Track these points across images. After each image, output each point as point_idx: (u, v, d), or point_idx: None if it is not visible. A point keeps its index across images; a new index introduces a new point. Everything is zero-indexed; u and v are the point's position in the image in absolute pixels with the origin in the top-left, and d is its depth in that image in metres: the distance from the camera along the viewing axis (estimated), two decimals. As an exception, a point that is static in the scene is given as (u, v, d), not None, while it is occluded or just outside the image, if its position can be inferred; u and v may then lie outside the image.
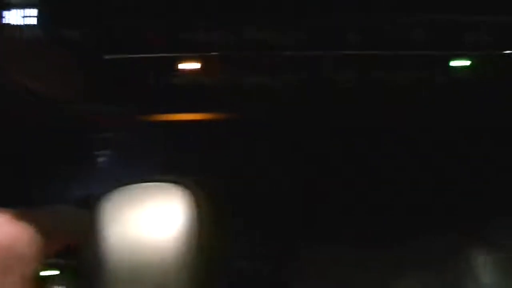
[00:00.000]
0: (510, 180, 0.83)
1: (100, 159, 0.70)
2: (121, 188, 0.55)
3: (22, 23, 0.64)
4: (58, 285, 0.61)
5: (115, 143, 0.67)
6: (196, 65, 0.65)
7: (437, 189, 0.83)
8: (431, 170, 0.81)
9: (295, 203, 0.80)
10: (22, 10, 0.65)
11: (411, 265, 0.85)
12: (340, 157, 0.78)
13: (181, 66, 0.65)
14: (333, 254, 0.83)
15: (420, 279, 0.85)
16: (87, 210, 0.54)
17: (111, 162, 0.67)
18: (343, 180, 0.80)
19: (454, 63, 0.71)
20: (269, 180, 0.77)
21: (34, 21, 0.64)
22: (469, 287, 0.86)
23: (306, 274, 0.84)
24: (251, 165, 0.76)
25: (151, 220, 0.54)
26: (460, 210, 0.87)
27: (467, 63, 0.71)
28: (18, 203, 0.67)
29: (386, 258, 0.84)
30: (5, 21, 0.63)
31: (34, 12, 0.64)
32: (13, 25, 0.64)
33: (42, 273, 0.60)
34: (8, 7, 0.64)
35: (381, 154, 0.81)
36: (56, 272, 0.65)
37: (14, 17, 0.65)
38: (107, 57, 0.63)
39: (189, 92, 0.65)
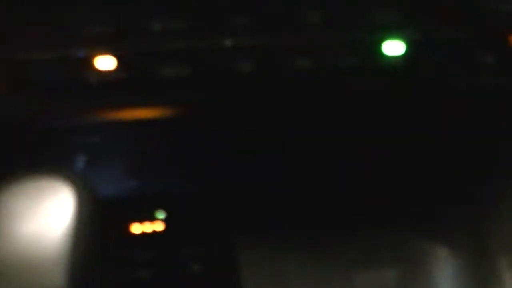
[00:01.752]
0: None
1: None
2: (6, 185, 0.55)
3: None
4: None
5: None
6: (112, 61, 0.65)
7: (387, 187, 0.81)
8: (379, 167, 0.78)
9: (230, 203, 0.79)
10: None
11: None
12: (282, 151, 0.76)
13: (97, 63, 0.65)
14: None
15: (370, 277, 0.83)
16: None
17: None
18: (287, 177, 0.79)
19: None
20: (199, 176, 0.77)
21: None
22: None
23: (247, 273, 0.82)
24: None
25: (36, 216, 0.54)
26: (413, 207, 0.84)
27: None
28: None
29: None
30: None
31: None
32: None
33: None
34: None
35: (330, 149, 0.79)
36: None
37: None
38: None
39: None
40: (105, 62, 0.65)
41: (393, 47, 0.69)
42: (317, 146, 0.77)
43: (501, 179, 0.84)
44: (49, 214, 0.54)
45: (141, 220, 0.84)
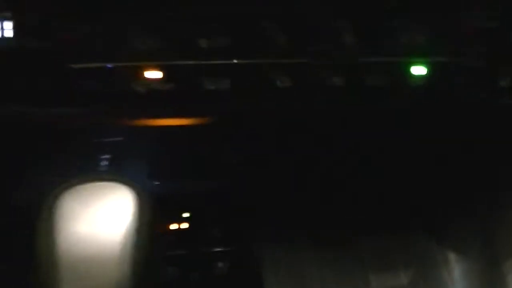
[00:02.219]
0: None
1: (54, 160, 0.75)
2: (71, 188, 0.60)
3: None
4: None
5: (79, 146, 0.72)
6: (158, 74, 0.70)
7: (401, 192, 0.86)
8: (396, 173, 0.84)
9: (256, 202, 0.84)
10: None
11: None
12: (304, 157, 0.81)
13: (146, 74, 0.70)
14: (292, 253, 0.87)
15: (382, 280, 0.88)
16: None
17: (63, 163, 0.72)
18: (306, 181, 0.84)
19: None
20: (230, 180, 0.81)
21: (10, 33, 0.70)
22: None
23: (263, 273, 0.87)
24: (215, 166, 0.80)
25: (98, 217, 0.58)
26: (425, 213, 0.89)
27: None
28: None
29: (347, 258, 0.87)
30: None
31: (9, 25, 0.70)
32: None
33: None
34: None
35: (348, 156, 0.84)
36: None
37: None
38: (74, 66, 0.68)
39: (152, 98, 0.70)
40: (154, 74, 0.70)
41: (419, 69, 0.75)
42: (340, 154, 0.83)
43: (509, 191, 0.89)
44: (107, 214, 0.59)
45: (169, 219, 0.89)
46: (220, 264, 0.88)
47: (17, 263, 0.71)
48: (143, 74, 0.70)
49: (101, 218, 0.58)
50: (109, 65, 0.69)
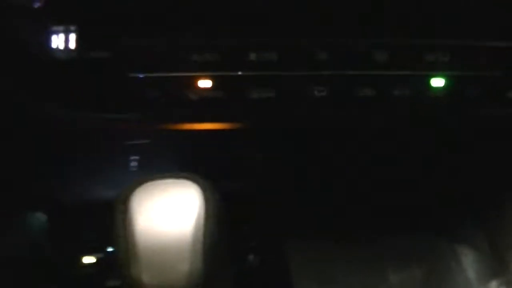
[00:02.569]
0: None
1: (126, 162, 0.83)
2: (143, 185, 0.67)
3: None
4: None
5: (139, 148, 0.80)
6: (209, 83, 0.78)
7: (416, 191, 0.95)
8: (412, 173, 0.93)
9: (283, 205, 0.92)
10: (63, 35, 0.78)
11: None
12: (330, 159, 0.90)
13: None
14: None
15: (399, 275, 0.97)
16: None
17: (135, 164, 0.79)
18: (333, 180, 0.92)
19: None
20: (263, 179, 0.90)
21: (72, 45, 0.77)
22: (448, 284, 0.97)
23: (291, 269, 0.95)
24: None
25: (170, 211, 0.66)
26: (437, 211, 0.99)
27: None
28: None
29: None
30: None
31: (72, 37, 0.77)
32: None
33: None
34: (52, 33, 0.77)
35: (372, 161, 0.93)
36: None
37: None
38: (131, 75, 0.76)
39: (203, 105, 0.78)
40: (205, 83, 0.78)
41: (439, 82, 0.83)
42: (365, 159, 0.91)
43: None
44: (177, 208, 0.66)
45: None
46: (251, 258, 0.96)
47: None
48: (196, 84, 0.78)
49: (171, 212, 0.66)
50: (167, 75, 0.77)
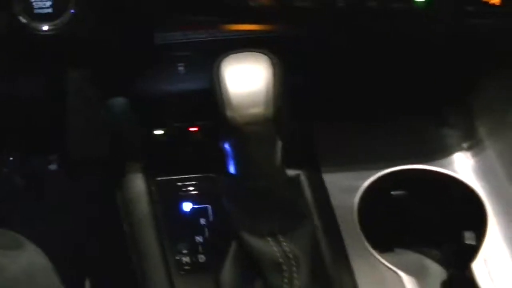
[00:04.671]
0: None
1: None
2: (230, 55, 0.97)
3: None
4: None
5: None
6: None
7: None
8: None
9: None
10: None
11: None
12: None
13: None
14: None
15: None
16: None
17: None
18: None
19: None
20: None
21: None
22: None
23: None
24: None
25: (250, 70, 0.96)
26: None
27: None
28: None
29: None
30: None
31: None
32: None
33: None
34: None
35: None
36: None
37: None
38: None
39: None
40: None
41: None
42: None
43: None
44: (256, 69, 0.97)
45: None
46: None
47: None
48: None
49: (250, 71, 0.96)
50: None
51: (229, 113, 0.93)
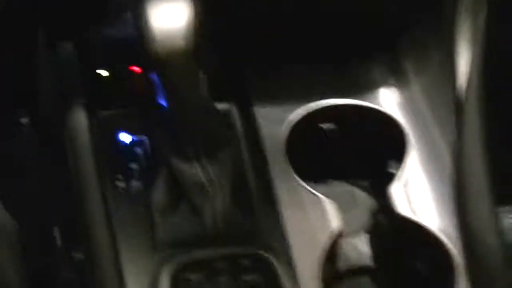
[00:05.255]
0: None
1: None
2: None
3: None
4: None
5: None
6: None
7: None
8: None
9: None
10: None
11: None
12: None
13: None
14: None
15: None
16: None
17: None
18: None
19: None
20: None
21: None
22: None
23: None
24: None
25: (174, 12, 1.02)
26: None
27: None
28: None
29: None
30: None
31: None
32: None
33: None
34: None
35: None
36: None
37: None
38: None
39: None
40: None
41: None
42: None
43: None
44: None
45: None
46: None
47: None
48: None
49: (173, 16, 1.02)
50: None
51: (151, 46, 1.00)
